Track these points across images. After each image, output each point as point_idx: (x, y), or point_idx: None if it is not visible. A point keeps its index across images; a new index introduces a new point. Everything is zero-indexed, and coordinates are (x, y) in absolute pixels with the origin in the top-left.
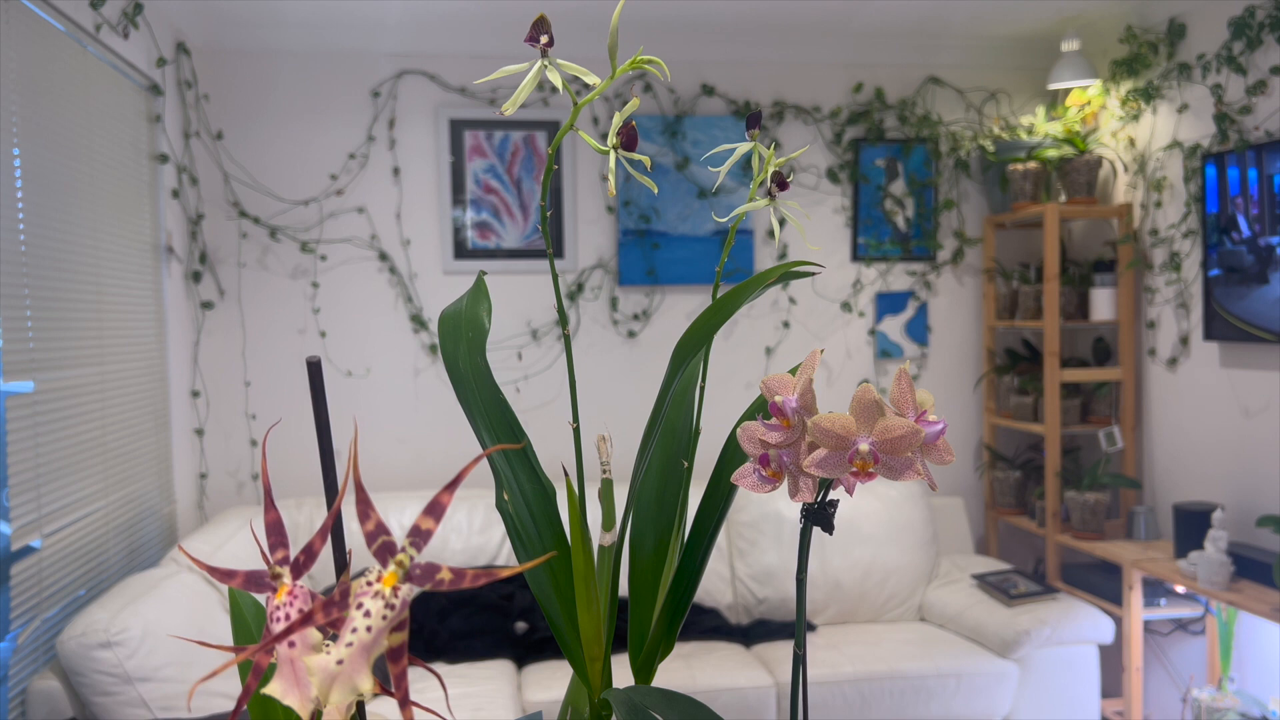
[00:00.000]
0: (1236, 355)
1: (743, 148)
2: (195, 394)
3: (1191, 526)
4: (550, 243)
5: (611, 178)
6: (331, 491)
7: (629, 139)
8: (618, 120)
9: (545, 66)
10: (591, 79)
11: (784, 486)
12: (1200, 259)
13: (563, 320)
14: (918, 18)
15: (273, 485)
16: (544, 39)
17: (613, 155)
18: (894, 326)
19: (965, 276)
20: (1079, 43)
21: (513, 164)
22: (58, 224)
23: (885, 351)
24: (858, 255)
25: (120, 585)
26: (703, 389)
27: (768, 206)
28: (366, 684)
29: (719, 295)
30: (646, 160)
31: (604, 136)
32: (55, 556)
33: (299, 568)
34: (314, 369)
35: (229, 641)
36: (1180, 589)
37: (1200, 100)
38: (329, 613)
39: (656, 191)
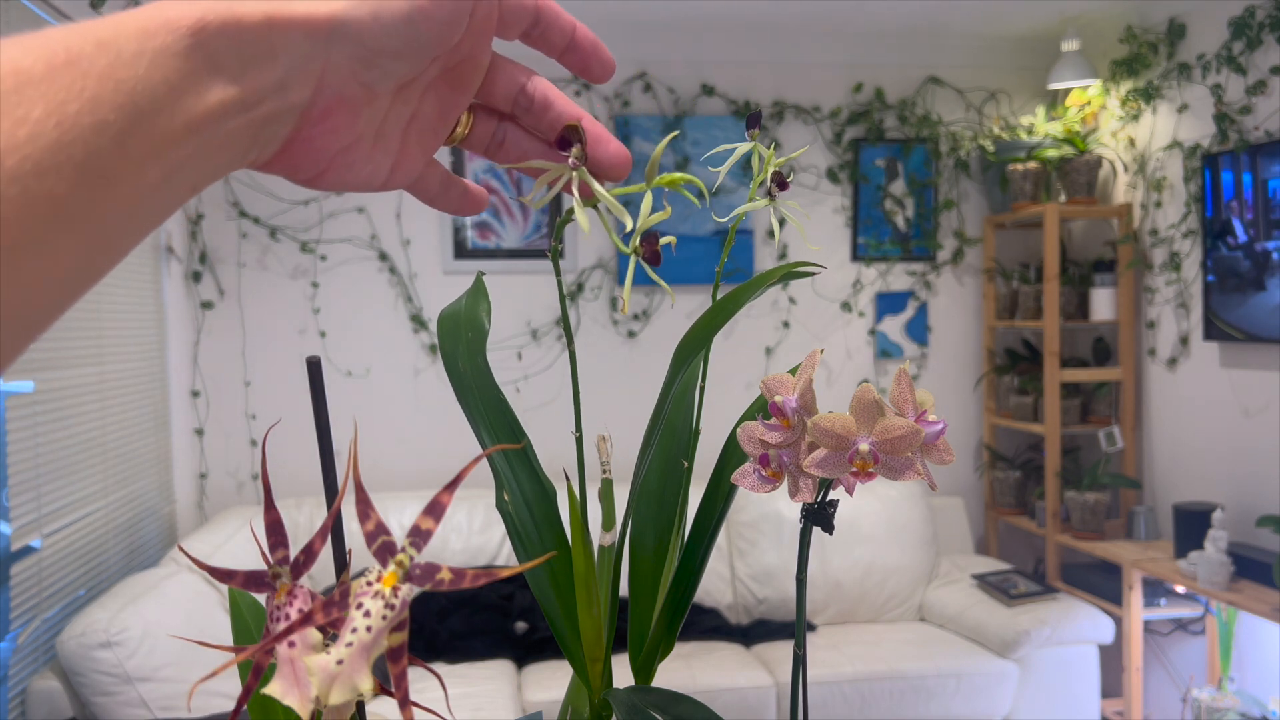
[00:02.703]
0: (1236, 355)
1: (743, 148)
2: (195, 394)
3: (1191, 526)
4: (559, 272)
5: (626, 295)
6: (331, 491)
7: (651, 254)
8: (642, 225)
9: (575, 176)
10: (626, 219)
11: (784, 486)
12: (1200, 259)
13: (568, 335)
14: (918, 18)
15: (273, 485)
16: (575, 149)
17: (632, 262)
18: (894, 326)
19: (965, 276)
20: (1079, 43)
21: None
22: None
23: (885, 351)
24: (858, 255)
25: (120, 585)
26: (703, 389)
27: (768, 206)
28: (366, 684)
29: (719, 295)
30: (671, 241)
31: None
32: (55, 556)
33: (299, 568)
34: (314, 369)
35: (229, 641)
36: (1180, 589)
37: (1200, 100)
38: (329, 613)
39: (674, 303)
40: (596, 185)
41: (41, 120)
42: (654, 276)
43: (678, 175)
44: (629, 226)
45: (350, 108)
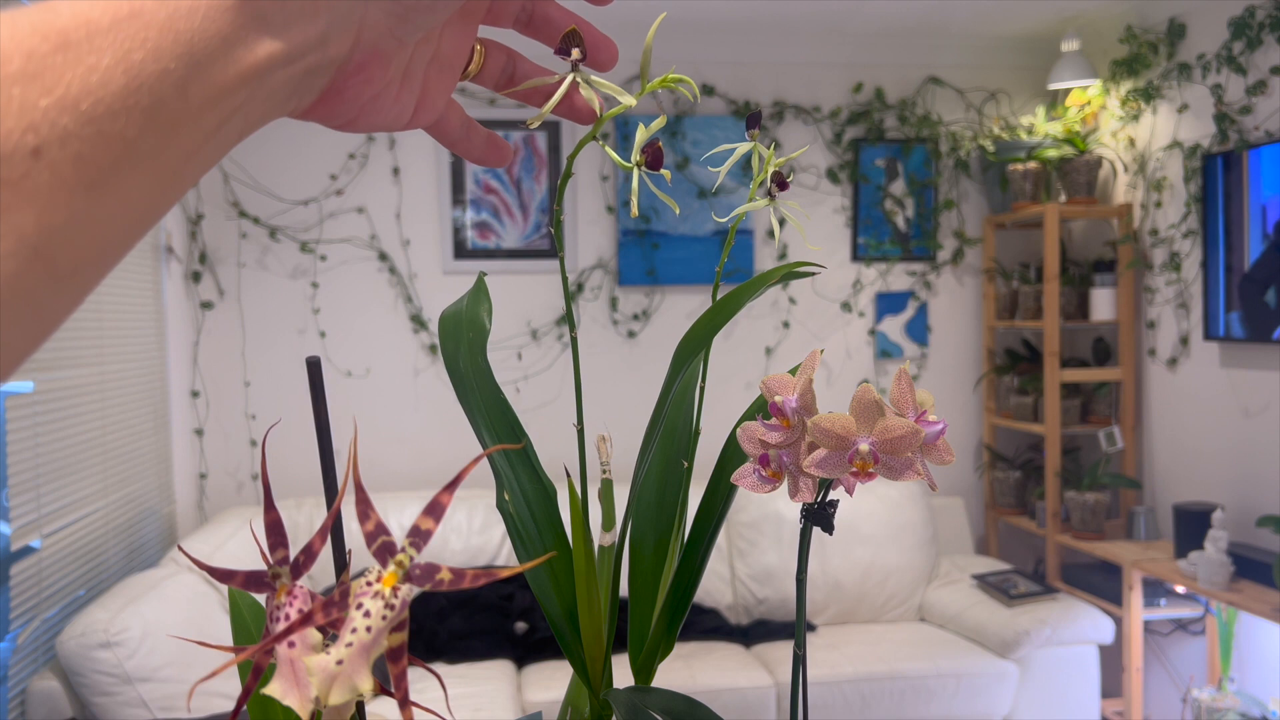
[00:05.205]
0: (1236, 355)
1: (743, 148)
2: (195, 394)
3: (1191, 526)
4: (562, 246)
5: (634, 198)
6: (331, 491)
7: (654, 157)
8: (642, 137)
9: (579, 82)
10: (626, 99)
11: (784, 486)
12: (1200, 259)
13: (571, 325)
14: (918, 18)
15: (272, 485)
16: (575, 52)
17: (636, 173)
18: (894, 326)
19: (965, 276)
20: (1079, 43)
21: (512, 164)
22: None
23: (885, 351)
24: (858, 255)
25: (120, 585)
26: (703, 389)
27: (768, 206)
28: (366, 684)
29: (719, 296)
30: (667, 174)
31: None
32: (55, 556)
33: (299, 568)
34: (314, 369)
35: (229, 641)
36: (1180, 589)
37: (1200, 100)
38: (329, 613)
39: (679, 213)
40: (597, 77)
41: (111, 67)
42: (655, 190)
43: (670, 75)
44: (631, 104)
45: (383, 59)
